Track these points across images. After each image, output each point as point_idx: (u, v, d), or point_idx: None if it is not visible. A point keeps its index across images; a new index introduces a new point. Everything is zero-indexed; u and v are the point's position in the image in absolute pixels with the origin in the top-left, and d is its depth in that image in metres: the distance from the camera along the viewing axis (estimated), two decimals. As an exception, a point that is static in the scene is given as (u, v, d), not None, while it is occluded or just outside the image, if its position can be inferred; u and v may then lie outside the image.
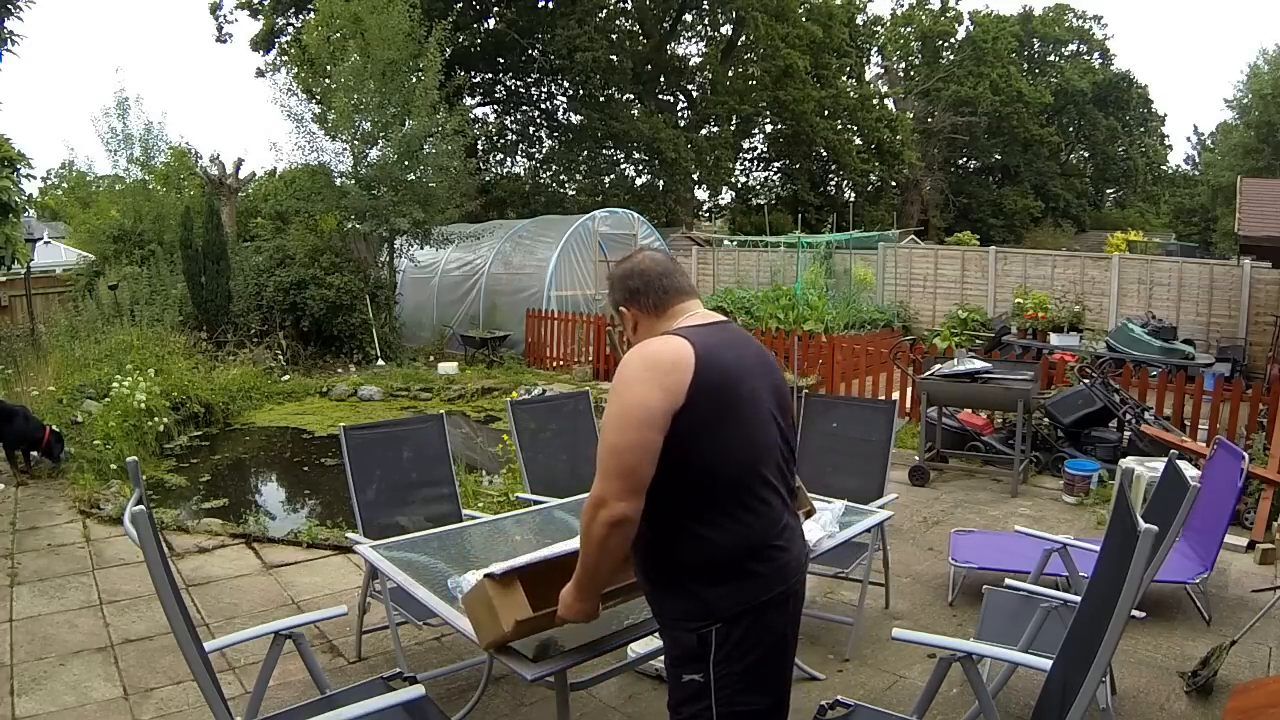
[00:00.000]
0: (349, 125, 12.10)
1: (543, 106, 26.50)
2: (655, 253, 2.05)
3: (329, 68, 12.38)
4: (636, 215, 14.49)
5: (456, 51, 20.31)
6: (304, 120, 12.46)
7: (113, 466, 6.20)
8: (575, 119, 25.51)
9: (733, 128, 27.68)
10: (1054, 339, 12.00)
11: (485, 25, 24.61)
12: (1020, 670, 2.62)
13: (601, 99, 23.67)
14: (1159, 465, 4.04)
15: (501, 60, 24.84)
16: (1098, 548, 2.51)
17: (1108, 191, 39.25)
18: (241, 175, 15.63)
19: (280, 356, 11.27)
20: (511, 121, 26.40)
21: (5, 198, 7.46)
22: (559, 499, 3.66)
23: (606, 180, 24.87)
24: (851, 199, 27.16)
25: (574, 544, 2.61)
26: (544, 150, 26.50)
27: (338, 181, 12.43)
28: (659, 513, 1.77)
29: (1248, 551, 4.84)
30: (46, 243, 19.10)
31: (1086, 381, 6.66)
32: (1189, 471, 3.44)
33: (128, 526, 1.99)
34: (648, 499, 1.73)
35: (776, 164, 31.23)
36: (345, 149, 12.42)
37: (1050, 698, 2.23)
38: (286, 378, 10.67)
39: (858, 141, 28.68)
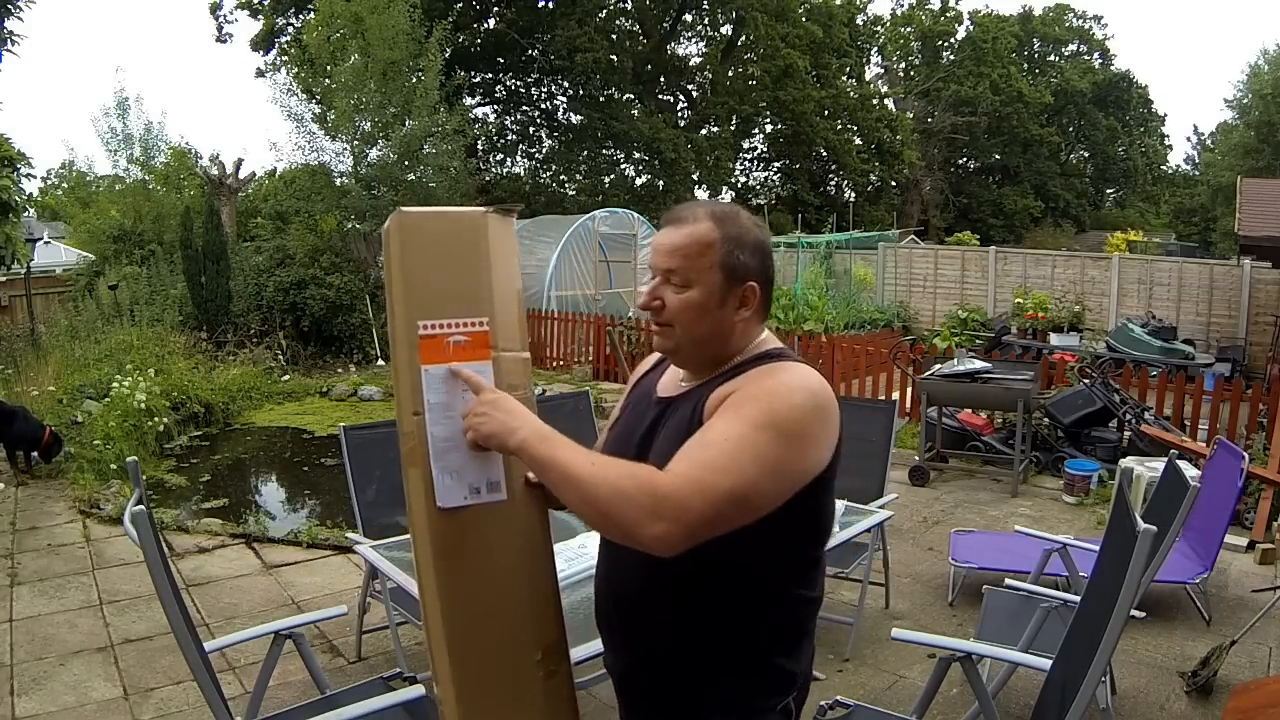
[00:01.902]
0: (349, 125, 12.10)
1: (543, 106, 26.50)
2: None
3: (329, 68, 12.39)
4: (636, 215, 14.49)
5: (456, 51, 20.32)
6: (304, 120, 12.50)
7: (113, 466, 6.20)
8: (575, 119, 25.50)
9: (733, 128, 27.67)
10: (1054, 339, 12.00)
11: (485, 25, 24.61)
12: (1020, 670, 2.62)
13: (601, 99, 23.67)
14: (1159, 465, 4.04)
15: (501, 60, 24.84)
16: (1098, 548, 2.51)
17: (1108, 191, 39.25)
18: (241, 175, 15.64)
19: (280, 356, 11.27)
20: (511, 121, 26.40)
21: (5, 197, 7.47)
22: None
23: (606, 180, 24.86)
24: (851, 199, 27.15)
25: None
26: (544, 150, 26.50)
27: (338, 181, 12.45)
28: (759, 580, 1.36)
29: (1248, 551, 4.84)
30: (46, 243, 19.07)
31: (1086, 381, 6.66)
32: (1189, 471, 3.44)
33: (128, 526, 1.99)
34: (743, 566, 1.33)
35: (776, 164, 31.22)
36: (345, 149, 12.44)
37: (1050, 698, 2.23)
38: (286, 378, 10.67)
39: (858, 141, 28.68)
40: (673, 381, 1.52)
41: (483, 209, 1.42)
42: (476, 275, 1.41)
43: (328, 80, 12.48)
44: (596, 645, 1.98)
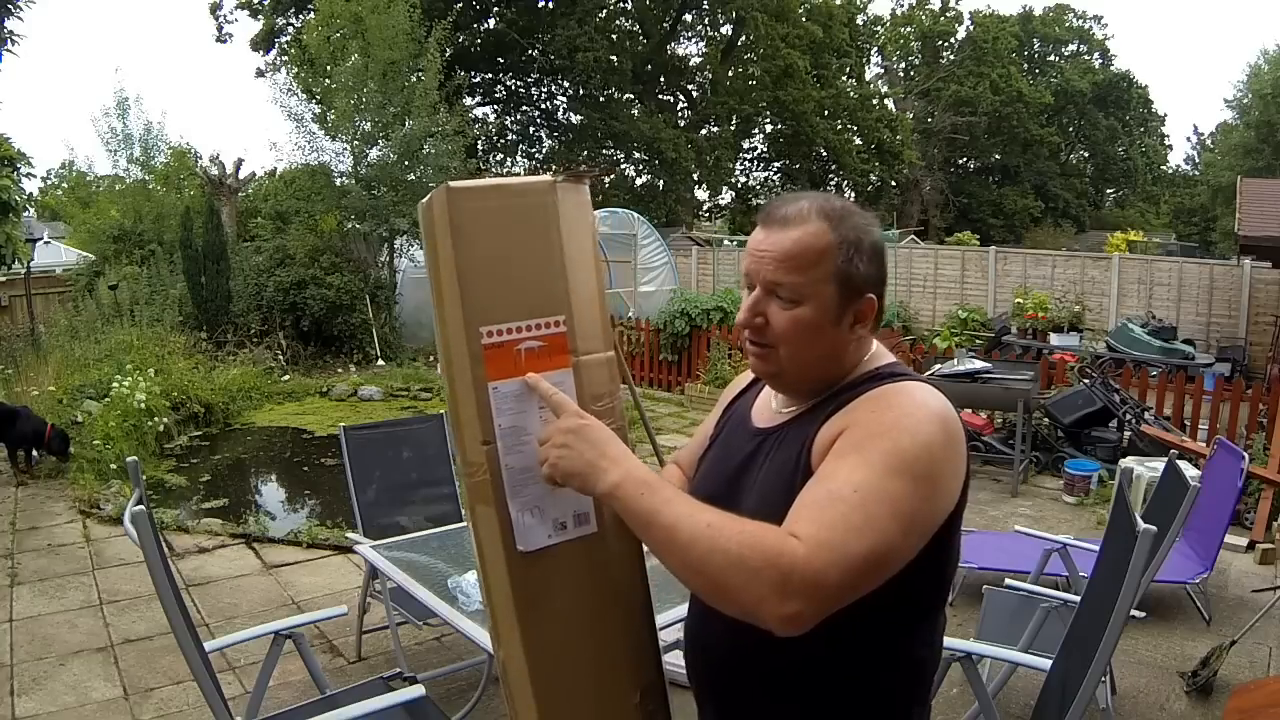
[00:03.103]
0: (349, 125, 12.10)
1: (543, 106, 26.52)
2: None
3: (329, 68, 12.38)
4: (636, 215, 14.48)
5: (456, 51, 20.31)
6: (304, 120, 12.48)
7: (113, 466, 6.20)
8: (575, 119, 25.51)
9: (733, 128, 27.68)
10: (1054, 339, 11.99)
11: (485, 25, 24.63)
12: (1020, 670, 2.62)
13: (601, 99, 23.68)
14: (1159, 465, 4.04)
15: (501, 60, 24.86)
16: (1098, 548, 2.52)
17: (1108, 191, 39.26)
18: (241, 175, 15.62)
19: (280, 356, 11.26)
20: (511, 121, 26.41)
21: (5, 197, 7.47)
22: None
23: (606, 180, 24.87)
24: (851, 199, 27.08)
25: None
26: (544, 150, 26.52)
27: (338, 181, 12.44)
28: (868, 640, 1.15)
29: (1248, 551, 4.85)
30: (46, 243, 19.06)
31: (1086, 381, 6.66)
32: (1189, 471, 3.44)
33: (128, 526, 2.00)
34: (850, 625, 1.08)
35: (776, 164, 31.22)
36: (345, 149, 12.43)
37: (1050, 697, 2.23)
38: (286, 378, 10.66)
39: (858, 141, 28.68)
40: (768, 407, 1.31)
41: (549, 177, 1.16)
42: (548, 263, 1.15)
43: (328, 80, 12.47)
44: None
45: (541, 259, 1.14)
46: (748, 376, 1.41)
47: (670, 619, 2.02)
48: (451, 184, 1.13)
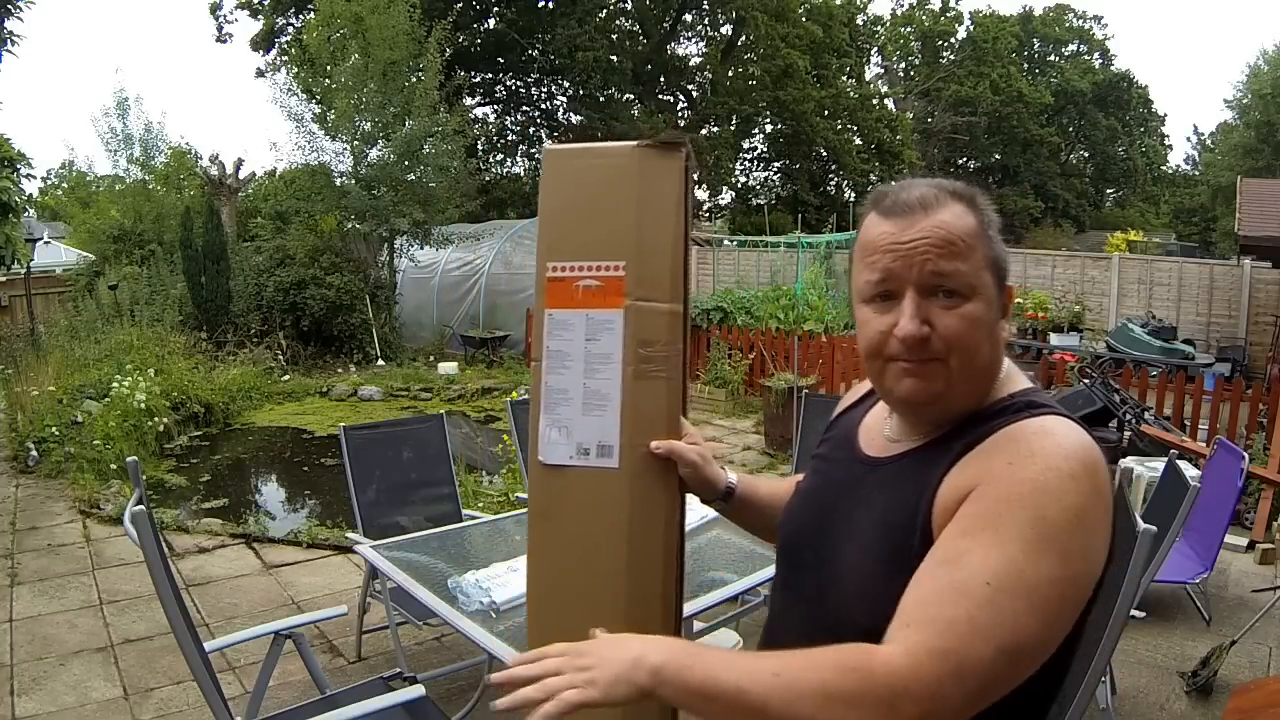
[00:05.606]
0: (349, 125, 12.11)
1: (543, 106, 26.51)
2: None
3: (329, 68, 12.38)
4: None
5: (456, 51, 20.31)
6: (304, 120, 12.47)
7: (113, 466, 6.20)
8: (575, 119, 25.50)
9: (733, 128, 27.68)
10: (1054, 339, 11.99)
11: (485, 25, 24.63)
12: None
13: (601, 99, 23.68)
14: (1159, 465, 4.04)
15: (501, 60, 24.85)
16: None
17: (1108, 191, 39.29)
18: (241, 175, 15.64)
19: (280, 356, 11.27)
20: (511, 122, 26.41)
21: (5, 198, 7.47)
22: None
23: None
24: (851, 199, 27.15)
25: None
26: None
27: (338, 181, 12.44)
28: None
29: (1248, 551, 4.85)
30: (46, 243, 19.09)
31: (1086, 381, 6.66)
32: (1189, 471, 3.45)
33: (128, 526, 1.99)
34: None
35: (776, 164, 31.22)
36: (345, 149, 12.43)
37: (1050, 698, 2.23)
38: (286, 378, 10.67)
39: (858, 141, 28.69)
40: (878, 430, 1.12)
41: (634, 143, 1.26)
42: (619, 215, 1.26)
43: (328, 80, 12.47)
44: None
45: (613, 211, 1.26)
46: (863, 388, 1.26)
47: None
48: (550, 145, 1.33)
